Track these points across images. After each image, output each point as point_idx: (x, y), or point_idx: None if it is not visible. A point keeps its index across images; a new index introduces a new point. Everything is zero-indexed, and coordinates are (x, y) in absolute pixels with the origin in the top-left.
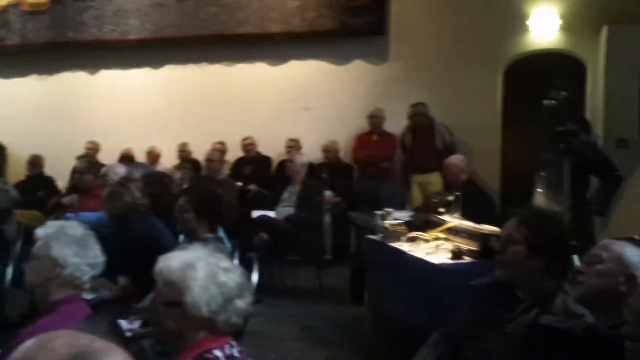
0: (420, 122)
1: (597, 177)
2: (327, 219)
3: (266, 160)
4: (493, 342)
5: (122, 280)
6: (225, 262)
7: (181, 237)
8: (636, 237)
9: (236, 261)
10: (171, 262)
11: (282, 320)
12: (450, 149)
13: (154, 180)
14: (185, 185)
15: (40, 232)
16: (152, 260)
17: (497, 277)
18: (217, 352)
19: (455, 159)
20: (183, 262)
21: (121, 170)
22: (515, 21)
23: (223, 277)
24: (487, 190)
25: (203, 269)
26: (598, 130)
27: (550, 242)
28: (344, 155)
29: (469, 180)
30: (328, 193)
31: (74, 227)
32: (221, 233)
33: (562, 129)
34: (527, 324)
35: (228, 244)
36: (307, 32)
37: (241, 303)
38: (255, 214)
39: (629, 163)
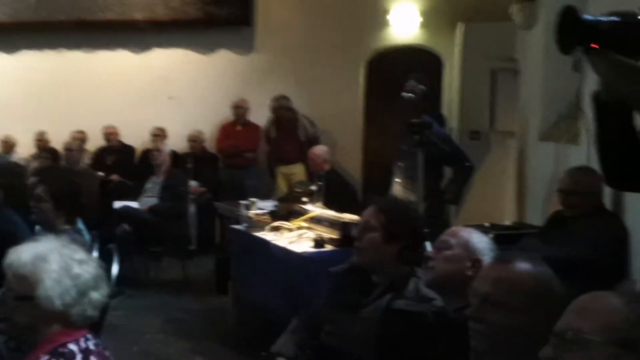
0: (283, 115)
1: (450, 167)
2: (192, 209)
3: (129, 149)
4: (349, 326)
5: None
6: (79, 254)
7: (37, 228)
8: (486, 224)
9: (95, 253)
10: (22, 254)
11: (145, 312)
12: (313, 141)
13: (5, 170)
14: (41, 175)
15: None
16: (4, 254)
17: (354, 263)
18: (72, 346)
19: (318, 149)
20: (34, 254)
21: None
22: (377, 16)
23: (77, 269)
24: (350, 180)
25: (56, 262)
26: (453, 122)
27: (405, 230)
28: (209, 145)
29: (331, 171)
30: (193, 183)
31: None
32: (80, 225)
33: (415, 121)
34: (381, 308)
35: (87, 236)
36: (171, 20)
37: (97, 295)
38: (118, 204)
39: (481, 154)
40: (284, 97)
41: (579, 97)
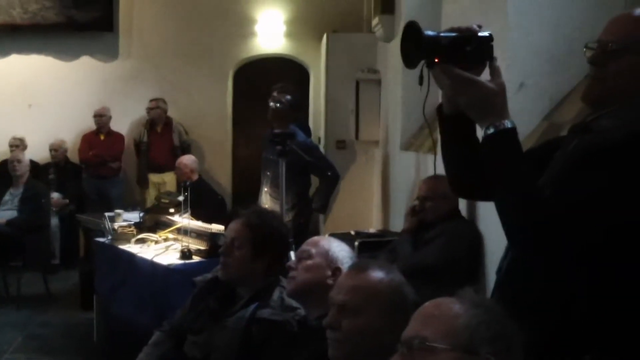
0: (160, 116)
1: (316, 176)
2: (55, 221)
3: None
4: (213, 336)
5: None
6: None
7: None
8: (352, 232)
9: None
10: None
11: (4, 330)
12: (185, 148)
13: None
14: None
15: None
16: None
17: (219, 276)
18: None
19: (186, 159)
20: None
21: None
22: (244, 25)
23: None
24: (219, 190)
25: None
26: (320, 132)
27: (272, 244)
28: (72, 155)
29: (199, 180)
30: (55, 195)
31: None
32: None
33: (277, 132)
34: (245, 318)
35: None
36: (29, 25)
37: None
38: None
39: (347, 163)
40: (162, 99)
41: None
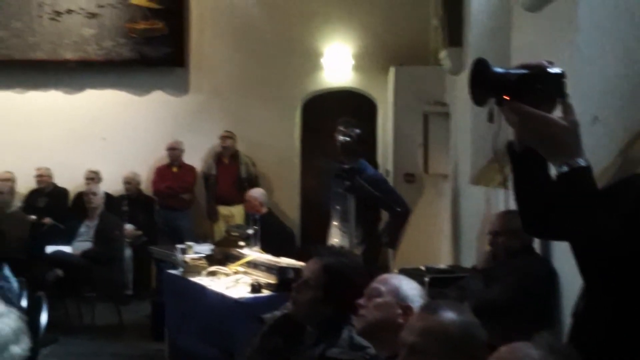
0: (230, 147)
1: (386, 211)
2: (128, 253)
3: (62, 192)
4: None
5: None
6: None
7: None
8: (422, 267)
9: (24, 301)
10: None
11: (78, 359)
12: (253, 181)
13: None
14: None
15: None
16: None
17: (288, 312)
18: None
19: (255, 192)
20: None
21: None
22: (311, 59)
23: None
24: (287, 222)
25: None
26: (388, 165)
27: (346, 291)
28: (145, 187)
29: (268, 213)
30: (128, 226)
31: None
32: (7, 271)
33: (346, 167)
34: (315, 357)
35: (15, 283)
36: (104, 61)
37: (17, 349)
38: (50, 249)
39: (415, 196)
40: (231, 132)
41: (496, 146)
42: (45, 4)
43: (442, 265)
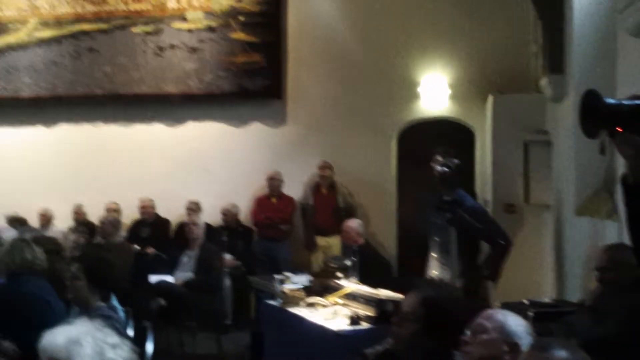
0: (327, 177)
1: (486, 243)
2: (227, 283)
3: (165, 222)
4: None
5: (8, 346)
6: (113, 338)
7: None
8: (525, 301)
9: (130, 331)
10: (56, 337)
11: None
12: (350, 211)
13: (42, 245)
14: (77, 251)
15: None
16: (41, 324)
17: (389, 347)
18: None
19: (352, 222)
20: (68, 338)
21: (11, 233)
22: (407, 88)
23: (110, 354)
24: (384, 254)
25: (90, 346)
26: (487, 195)
27: (447, 324)
28: (244, 217)
29: (366, 244)
30: (228, 256)
31: None
32: (114, 301)
33: (446, 199)
34: None
35: (122, 313)
36: (205, 94)
37: None
38: (153, 278)
39: (516, 227)
40: (329, 163)
41: (607, 178)
42: (149, 40)
43: (546, 299)
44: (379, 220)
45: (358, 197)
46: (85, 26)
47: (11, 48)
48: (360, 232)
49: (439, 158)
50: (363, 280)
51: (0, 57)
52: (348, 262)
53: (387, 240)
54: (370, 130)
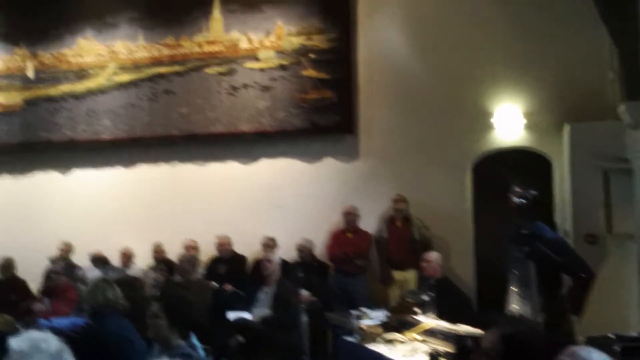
0: (402, 210)
1: (567, 275)
2: (304, 319)
3: (241, 259)
4: None
5: None
6: None
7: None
8: (611, 335)
9: None
10: None
11: None
12: (426, 244)
13: (123, 285)
14: (156, 290)
15: (14, 345)
16: None
17: None
18: None
19: (432, 255)
20: None
21: (96, 273)
22: (481, 119)
23: None
24: (462, 287)
25: None
26: (567, 226)
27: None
28: (319, 253)
29: (443, 278)
30: (304, 292)
31: (48, 342)
32: (194, 339)
33: (525, 232)
34: None
35: (201, 351)
36: (277, 131)
37: None
38: (231, 315)
39: (599, 259)
40: (403, 196)
41: None
42: (223, 80)
43: (634, 333)
44: (455, 253)
45: (433, 230)
46: (162, 69)
47: (91, 92)
48: (439, 266)
49: (516, 189)
50: (441, 315)
51: (81, 101)
52: (425, 297)
53: (465, 273)
54: (444, 162)
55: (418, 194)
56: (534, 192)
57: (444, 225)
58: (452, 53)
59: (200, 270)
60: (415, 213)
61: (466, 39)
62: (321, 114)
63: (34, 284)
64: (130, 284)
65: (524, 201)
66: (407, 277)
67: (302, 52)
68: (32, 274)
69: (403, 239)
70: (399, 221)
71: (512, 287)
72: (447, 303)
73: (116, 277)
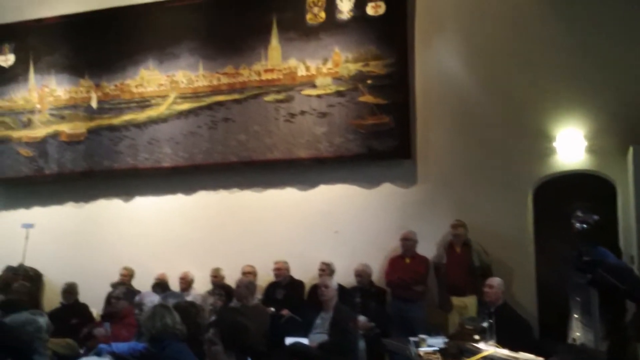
0: (462, 236)
1: (632, 302)
2: (362, 345)
3: (299, 284)
4: None
5: None
6: None
7: None
8: None
9: None
10: None
11: None
12: (486, 270)
13: (181, 311)
14: (214, 315)
15: None
16: None
17: None
18: None
19: (494, 281)
20: None
21: (155, 298)
22: (541, 143)
23: None
24: (523, 314)
25: None
26: (633, 251)
27: None
28: (377, 278)
29: (503, 305)
30: (362, 318)
31: None
32: None
33: (586, 259)
34: None
35: None
36: (334, 157)
37: None
38: (289, 340)
39: None
40: (462, 221)
41: None
42: (281, 107)
43: None
44: (516, 279)
45: (493, 255)
46: (221, 97)
47: (153, 121)
48: (500, 292)
49: (578, 214)
50: (501, 342)
51: (143, 130)
52: (485, 324)
53: (526, 300)
54: (504, 187)
55: (477, 218)
56: (596, 217)
57: (505, 250)
58: (512, 76)
59: (258, 296)
60: (475, 238)
61: (526, 62)
62: (378, 139)
63: (96, 309)
64: (187, 310)
65: (585, 226)
66: (467, 303)
67: (359, 78)
68: (94, 299)
69: (462, 264)
70: (458, 246)
71: (574, 314)
72: (507, 330)
73: (174, 302)
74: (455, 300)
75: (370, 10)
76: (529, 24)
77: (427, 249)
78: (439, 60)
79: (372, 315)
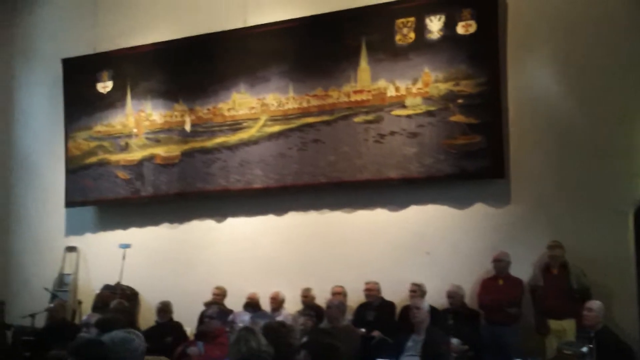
0: (559, 257)
1: None
2: None
3: (390, 305)
4: None
5: None
6: None
7: None
8: None
9: None
10: None
11: None
12: (584, 293)
13: (272, 330)
14: (304, 335)
15: None
16: None
17: None
18: None
19: (594, 304)
20: None
21: (246, 318)
22: None
23: None
24: (624, 338)
25: None
26: None
27: None
28: (469, 300)
29: (604, 328)
30: (454, 341)
31: None
32: None
33: None
34: None
35: None
36: (425, 178)
37: None
38: None
39: None
40: (559, 242)
41: None
42: (371, 128)
43: None
44: (617, 303)
45: (592, 277)
46: (310, 119)
47: (244, 143)
48: (600, 316)
49: None
50: None
51: (235, 152)
52: (585, 348)
53: (627, 324)
54: (602, 207)
55: (574, 239)
56: None
57: (604, 272)
58: (610, 94)
59: (348, 317)
60: (572, 260)
61: (622, 78)
62: (470, 159)
63: (190, 327)
64: (278, 330)
65: None
66: (565, 326)
67: (449, 97)
68: (188, 318)
69: (560, 287)
70: (555, 268)
71: None
72: (607, 355)
73: (265, 322)
74: (553, 324)
75: (460, 29)
76: (625, 39)
77: (522, 270)
78: (531, 78)
79: (465, 338)
